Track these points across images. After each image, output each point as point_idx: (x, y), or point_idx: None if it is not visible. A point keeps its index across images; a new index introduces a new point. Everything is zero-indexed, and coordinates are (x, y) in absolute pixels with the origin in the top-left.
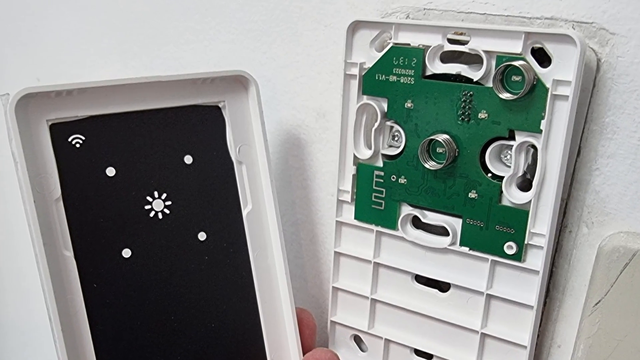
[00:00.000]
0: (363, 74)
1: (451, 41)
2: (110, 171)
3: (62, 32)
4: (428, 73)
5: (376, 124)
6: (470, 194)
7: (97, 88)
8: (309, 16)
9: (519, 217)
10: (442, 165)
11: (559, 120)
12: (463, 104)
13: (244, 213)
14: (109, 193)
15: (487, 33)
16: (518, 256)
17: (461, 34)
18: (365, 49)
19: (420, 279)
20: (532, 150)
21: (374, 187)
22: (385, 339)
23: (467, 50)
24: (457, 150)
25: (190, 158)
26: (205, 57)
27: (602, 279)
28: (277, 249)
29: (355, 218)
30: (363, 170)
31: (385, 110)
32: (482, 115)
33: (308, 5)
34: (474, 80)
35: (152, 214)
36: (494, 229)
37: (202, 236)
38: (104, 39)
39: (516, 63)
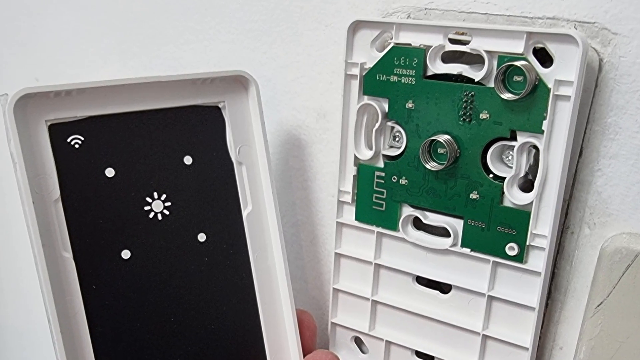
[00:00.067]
0: (364, 74)
1: (452, 41)
2: (110, 172)
3: (61, 32)
4: (429, 73)
5: (377, 125)
6: (471, 194)
7: (96, 88)
8: (309, 16)
9: (520, 218)
10: (443, 166)
11: (560, 120)
12: (464, 104)
13: (244, 214)
14: (108, 194)
15: (489, 33)
16: (520, 257)
17: (462, 33)
18: (366, 49)
19: (421, 281)
20: (533, 150)
21: (375, 188)
22: (386, 341)
23: (468, 50)
24: (458, 150)
25: (190, 159)
26: (205, 57)
27: (604, 281)
28: (278, 250)
29: (356, 219)
30: (364, 171)
31: (386, 110)
32: (484, 115)
33: (308, 4)
34: (476, 80)
35: (151, 215)
36: (495, 230)
37: (201, 237)
38: (103, 39)
39: (518, 63)
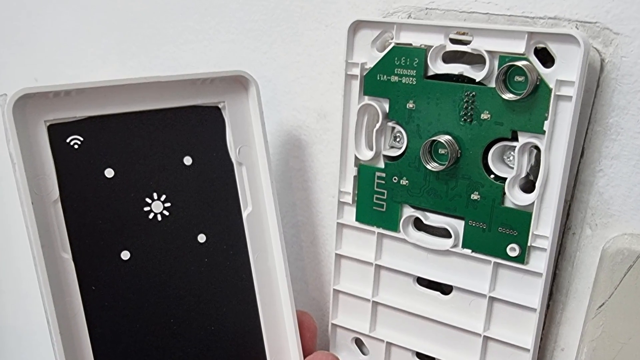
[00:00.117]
0: (364, 74)
1: (453, 41)
2: (109, 172)
3: (60, 32)
4: (430, 73)
5: (378, 125)
6: (472, 195)
7: (95, 88)
8: (310, 16)
9: (522, 219)
10: (444, 167)
11: (562, 121)
12: (465, 104)
13: (244, 215)
14: (107, 194)
15: (490, 33)
16: (521, 258)
17: (463, 33)
18: (366, 49)
19: (422, 282)
20: (535, 151)
21: (376, 189)
22: (387, 342)
23: (469, 50)
24: (459, 151)
25: (190, 159)
26: (205, 57)
27: (606, 282)
28: (278, 251)
29: (357, 220)
30: (364, 172)
31: (387, 110)
32: (485, 116)
33: (309, 4)
34: (477, 80)
35: (151, 215)
36: (496, 231)
37: (201, 238)
38: (102, 39)
39: (519, 63)
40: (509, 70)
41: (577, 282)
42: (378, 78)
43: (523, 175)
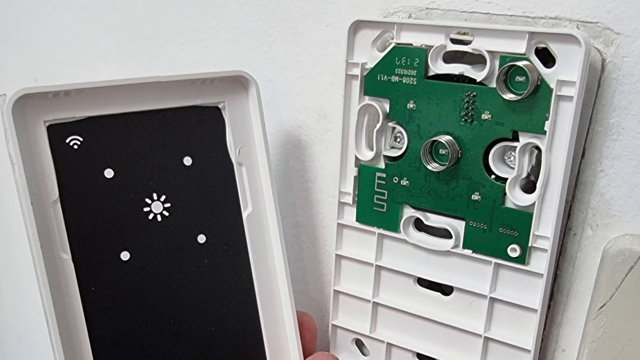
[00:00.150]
0: (365, 74)
1: (454, 41)
2: (109, 173)
3: (60, 32)
4: (431, 73)
5: (378, 125)
6: (473, 195)
7: (95, 89)
8: (310, 16)
9: (522, 220)
10: (444, 167)
11: (563, 121)
12: (466, 104)
13: (244, 215)
14: (107, 195)
15: (491, 33)
16: (522, 259)
17: (464, 33)
18: (367, 49)
19: (422, 282)
20: (536, 151)
21: (376, 189)
22: (387, 343)
23: (470, 50)
24: (460, 151)
25: (190, 159)
26: (205, 57)
27: (607, 282)
28: (278, 252)
29: (357, 220)
30: (365, 172)
31: (387, 111)
32: (486, 116)
33: (309, 4)
34: (477, 80)
35: (151, 216)
36: (497, 232)
37: (201, 239)
38: (102, 39)
39: (520, 63)
40: (510, 70)
41: (578, 283)
42: (378, 78)
43: (524, 175)
